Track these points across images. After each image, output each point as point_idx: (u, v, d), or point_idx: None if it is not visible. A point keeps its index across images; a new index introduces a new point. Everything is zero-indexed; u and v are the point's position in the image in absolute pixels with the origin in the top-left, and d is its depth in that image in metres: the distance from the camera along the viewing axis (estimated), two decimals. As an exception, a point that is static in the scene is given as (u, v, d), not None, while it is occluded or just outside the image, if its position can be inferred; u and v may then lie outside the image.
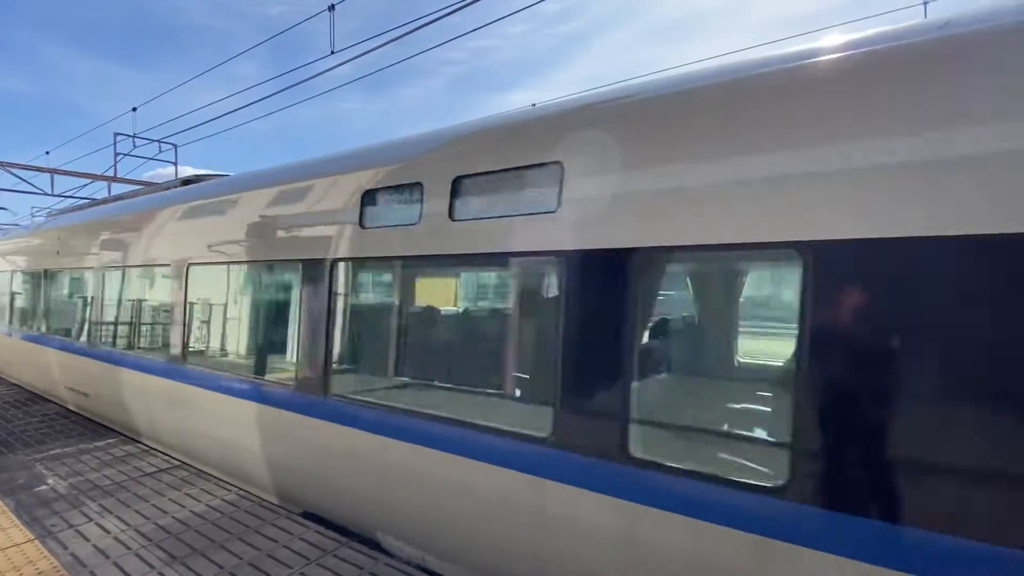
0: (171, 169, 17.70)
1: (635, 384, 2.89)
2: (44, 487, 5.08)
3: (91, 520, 4.38)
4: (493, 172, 3.50)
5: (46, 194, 17.24)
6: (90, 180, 17.28)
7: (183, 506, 4.66)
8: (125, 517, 4.44)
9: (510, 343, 3.84)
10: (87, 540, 4.05)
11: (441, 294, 4.43)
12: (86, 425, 7.43)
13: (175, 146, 17.12)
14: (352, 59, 8.49)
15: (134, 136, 16.65)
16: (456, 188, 3.65)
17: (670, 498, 2.72)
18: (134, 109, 16.48)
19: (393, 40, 7.67)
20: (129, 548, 3.93)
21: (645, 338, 3.20)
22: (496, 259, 3.64)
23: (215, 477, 5.43)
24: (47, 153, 21.65)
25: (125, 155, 16.72)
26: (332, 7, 8.46)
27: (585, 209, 3.08)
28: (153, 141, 16.98)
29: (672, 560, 2.73)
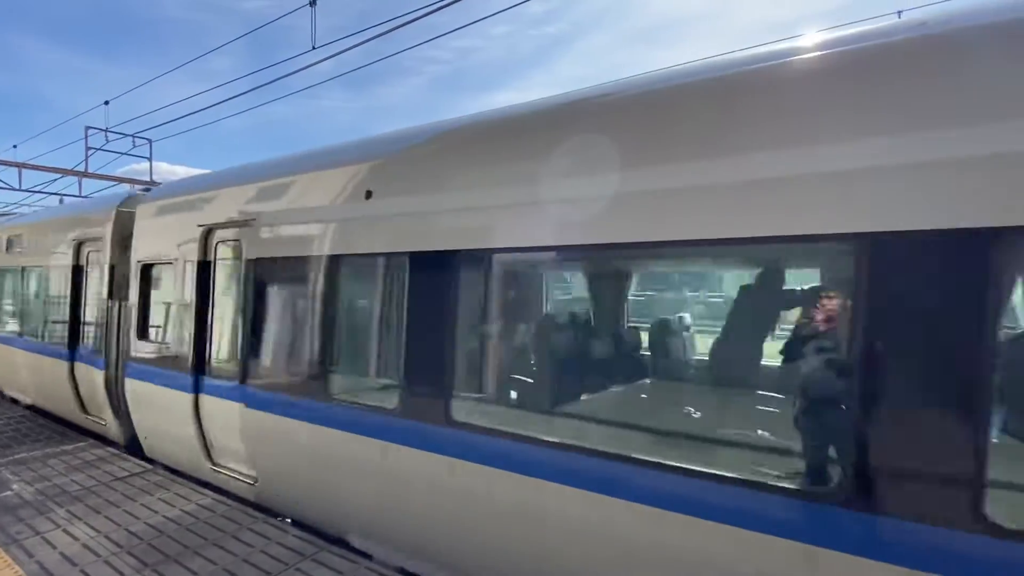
0: (146, 165, 17.25)
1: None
2: (9, 493, 4.90)
3: (58, 527, 4.24)
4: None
5: (13, 189, 16.67)
6: (60, 175, 16.77)
7: (156, 511, 4.53)
8: (94, 523, 4.30)
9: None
10: (54, 547, 3.91)
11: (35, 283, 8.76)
12: (54, 428, 7.20)
13: (150, 141, 16.67)
14: (333, 55, 8.37)
15: (106, 130, 16.15)
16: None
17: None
18: (106, 103, 15.99)
19: (376, 37, 7.59)
20: (98, 555, 3.80)
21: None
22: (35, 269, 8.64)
23: (191, 481, 5.30)
24: (15, 147, 20.89)
25: (97, 150, 16.23)
26: (313, 1, 8.32)
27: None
28: (127, 136, 16.51)
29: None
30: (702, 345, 4.25)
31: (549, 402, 3.68)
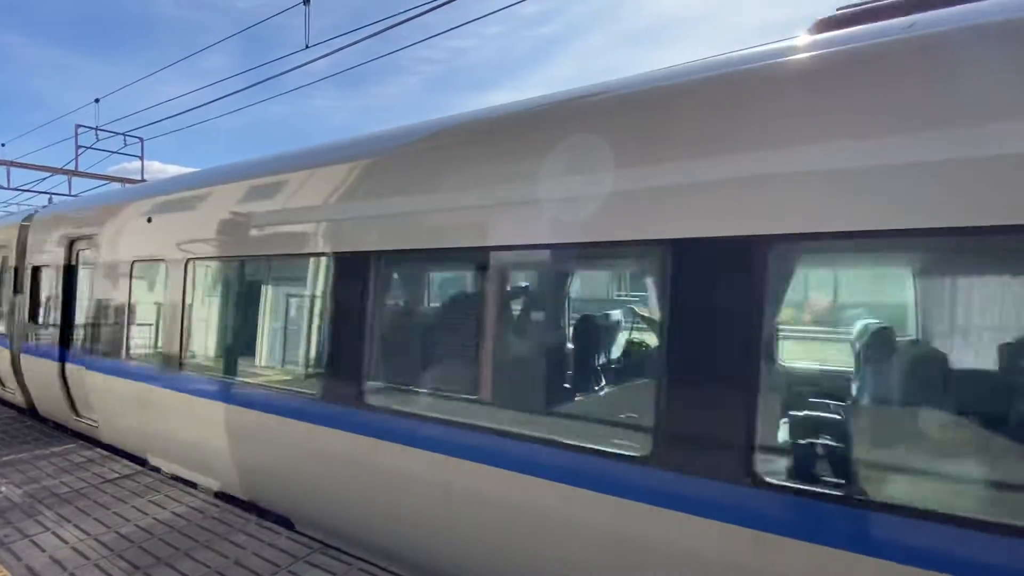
0: (138, 163, 17.08)
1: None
2: (-4, 495, 4.85)
3: (47, 529, 4.19)
4: None
5: (2, 188, 16.48)
6: (50, 174, 16.59)
7: (146, 513, 4.49)
8: (84, 526, 4.26)
9: None
10: (43, 551, 3.86)
11: None
12: (43, 430, 7.13)
13: (141, 139, 16.51)
14: (327, 54, 8.34)
15: (96, 128, 15.98)
16: None
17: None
18: (96, 100, 15.83)
19: (370, 36, 7.56)
20: (88, 558, 3.76)
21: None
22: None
23: (180, 483, 5.26)
24: (3, 145, 20.70)
25: (87, 148, 16.06)
26: (307, 0, 8.28)
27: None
28: (117, 134, 16.33)
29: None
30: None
31: (177, 346, 5.50)
